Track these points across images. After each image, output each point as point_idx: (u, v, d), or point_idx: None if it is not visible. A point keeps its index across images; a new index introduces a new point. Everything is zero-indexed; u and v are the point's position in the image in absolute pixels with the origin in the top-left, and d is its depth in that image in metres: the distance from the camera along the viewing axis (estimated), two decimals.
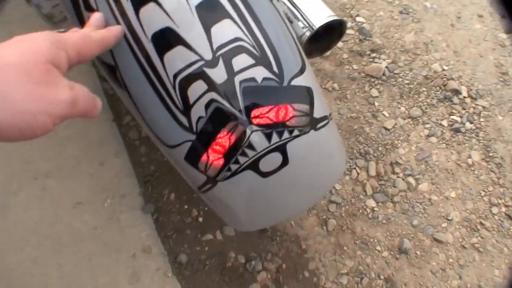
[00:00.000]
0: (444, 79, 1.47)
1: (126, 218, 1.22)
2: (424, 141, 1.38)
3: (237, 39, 0.57)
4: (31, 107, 0.42)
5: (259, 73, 0.57)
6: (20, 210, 1.22)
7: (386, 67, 1.50)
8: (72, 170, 1.27)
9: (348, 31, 1.58)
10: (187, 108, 0.57)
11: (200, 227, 1.22)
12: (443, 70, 1.49)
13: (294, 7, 0.81)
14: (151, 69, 0.56)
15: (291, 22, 0.80)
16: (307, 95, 0.62)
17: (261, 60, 0.58)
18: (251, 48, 0.57)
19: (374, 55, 1.52)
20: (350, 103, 1.43)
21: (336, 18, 0.80)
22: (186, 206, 1.24)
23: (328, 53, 1.52)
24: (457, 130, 1.39)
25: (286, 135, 0.60)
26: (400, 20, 1.60)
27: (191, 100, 0.56)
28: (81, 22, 0.61)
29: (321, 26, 0.78)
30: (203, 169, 0.60)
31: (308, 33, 0.78)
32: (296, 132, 0.60)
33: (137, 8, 0.56)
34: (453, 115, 1.42)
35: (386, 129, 1.39)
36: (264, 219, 0.69)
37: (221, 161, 0.59)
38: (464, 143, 1.38)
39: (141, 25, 0.56)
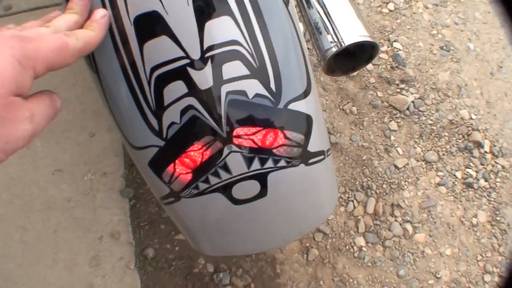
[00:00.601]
0: (470, 128, 1.37)
1: (103, 197, 1.16)
2: (432, 189, 1.28)
3: (233, 42, 0.48)
4: None
5: (252, 87, 0.49)
6: None
7: (412, 101, 1.40)
8: (60, 135, 1.21)
9: (381, 55, 1.48)
10: (159, 109, 0.49)
11: (175, 224, 1.14)
12: (471, 118, 1.39)
13: (328, 18, 0.72)
14: (127, 57, 0.48)
15: (320, 33, 0.71)
16: (304, 123, 0.54)
17: (257, 72, 0.49)
18: (249, 56, 0.49)
19: (402, 86, 1.43)
20: (365, 131, 1.34)
21: (369, 39, 0.71)
22: None
23: (355, 73, 1.43)
24: (469, 185, 1.29)
25: (270, 163, 0.52)
26: (439, 56, 1.50)
27: (166, 102, 0.48)
28: None
29: (350, 44, 0.69)
30: (167, 181, 0.53)
31: (334, 49, 0.69)
32: (282, 163, 0.52)
33: None
34: (470, 168, 1.32)
35: (396, 167, 1.30)
36: (227, 248, 0.61)
37: (189, 177, 0.51)
38: (474, 201, 1.28)
39: (125, 3, 0.47)
